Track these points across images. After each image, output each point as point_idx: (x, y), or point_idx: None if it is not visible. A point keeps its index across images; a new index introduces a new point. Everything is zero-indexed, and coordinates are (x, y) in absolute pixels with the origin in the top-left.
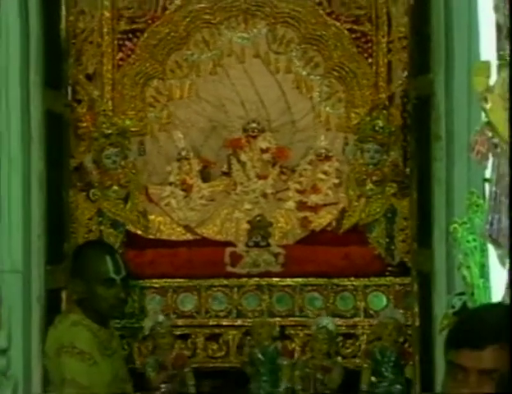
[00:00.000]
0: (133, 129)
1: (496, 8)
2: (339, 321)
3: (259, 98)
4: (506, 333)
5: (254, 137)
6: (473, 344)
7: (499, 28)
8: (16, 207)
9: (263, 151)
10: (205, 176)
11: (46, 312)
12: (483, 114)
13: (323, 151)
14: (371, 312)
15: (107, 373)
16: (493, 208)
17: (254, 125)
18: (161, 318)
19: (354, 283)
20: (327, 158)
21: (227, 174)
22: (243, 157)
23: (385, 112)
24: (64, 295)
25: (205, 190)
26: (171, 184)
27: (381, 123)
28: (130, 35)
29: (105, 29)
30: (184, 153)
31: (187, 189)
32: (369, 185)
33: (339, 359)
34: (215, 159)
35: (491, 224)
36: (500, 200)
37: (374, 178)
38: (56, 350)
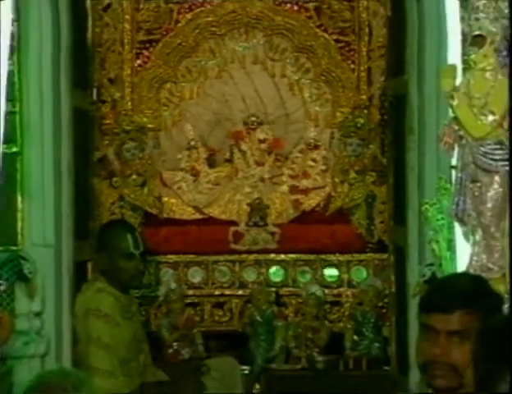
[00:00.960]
0: (149, 125)
1: (462, 19)
2: (326, 290)
3: (258, 96)
4: (472, 299)
5: (253, 129)
6: (442, 308)
7: (464, 36)
8: (48, 191)
9: (261, 141)
10: (211, 163)
11: (74, 281)
12: (450, 110)
13: (312, 141)
14: (353, 283)
15: (127, 333)
16: (459, 192)
17: (253, 119)
18: (173, 285)
19: (339, 258)
20: (316, 147)
21: (230, 161)
22: (243, 146)
23: (365, 111)
24: (90, 266)
25: (211, 175)
26: (182, 170)
27: (362, 121)
28: (147, 45)
29: (125, 40)
30: (193, 143)
31: (196, 174)
32: (352, 174)
33: (326, 322)
34: (219, 148)
35: (457, 205)
36: (464, 185)
37: (356, 168)
38: (83, 313)
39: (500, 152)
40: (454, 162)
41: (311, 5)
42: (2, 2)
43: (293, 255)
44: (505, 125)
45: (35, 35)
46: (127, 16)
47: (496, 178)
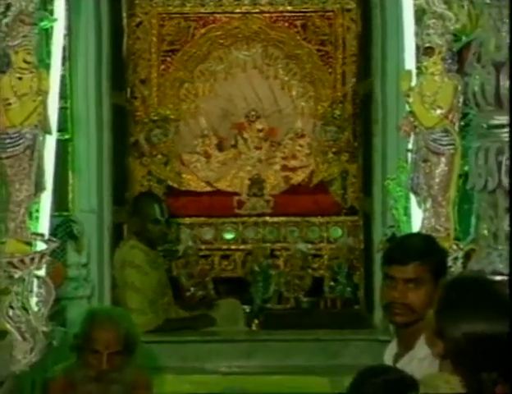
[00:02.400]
0: (171, 117)
1: (416, 34)
2: (309, 246)
3: (256, 95)
4: (423, 253)
5: (253, 121)
6: (400, 261)
7: (418, 48)
8: (92, 168)
9: (259, 131)
10: (220, 148)
11: (113, 239)
12: (407, 106)
13: (299, 130)
14: (331, 240)
15: (154, 280)
16: (413, 169)
17: (253, 113)
18: (190, 242)
19: (320, 220)
20: (302, 135)
21: (234, 146)
22: (245, 135)
23: (341, 105)
24: (125, 227)
25: (220, 157)
26: (197, 153)
27: (338, 113)
28: (170, 53)
29: (153, 49)
30: (205, 132)
31: (208, 156)
32: (330, 155)
33: (309, 271)
34: (226, 136)
35: (412, 180)
36: (418, 164)
37: (333, 150)
38: (120, 264)
39: (446, 138)
40: (410, 146)
41: (298, 22)
42: (55, 23)
43: (284, 218)
44: (450, 117)
45: (82, 47)
46: (154, 31)
47: (443, 159)
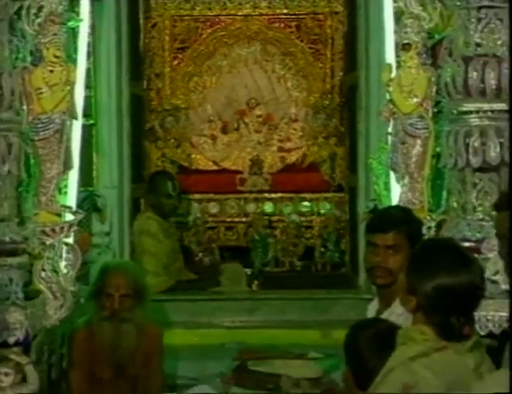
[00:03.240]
0: (182, 106)
1: (395, 32)
2: (302, 218)
3: (256, 86)
4: (401, 223)
5: (253, 108)
6: (381, 229)
7: (397, 44)
8: (113, 150)
9: (258, 116)
10: (224, 131)
11: (131, 211)
12: (387, 95)
13: (293, 116)
14: (321, 212)
15: (167, 246)
16: (392, 150)
17: (253, 101)
18: (198, 214)
19: (311, 196)
20: (296, 120)
21: (237, 130)
22: (246, 120)
23: (329, 95)
24: (142, 201)
25: (224, 139)
26: (204, 135)
27: (327, 102)
28: (181, 50)
29: (166, 47)
30: (212, 118)
31: (214, 138)
32: (320, 139)
33: (302, 239)
34: (230, 121)
35: (392, 159)
36: (397, 145)
37: (323, 134)
38: (138, 233)
39: (421, 123)
40: (389, 130)
41: (293, 23)
42: (81, 23)
43: (280, 194)
44: (425, 104)
45: (105, 44)
46: (167, 31)
47: (418, 141)
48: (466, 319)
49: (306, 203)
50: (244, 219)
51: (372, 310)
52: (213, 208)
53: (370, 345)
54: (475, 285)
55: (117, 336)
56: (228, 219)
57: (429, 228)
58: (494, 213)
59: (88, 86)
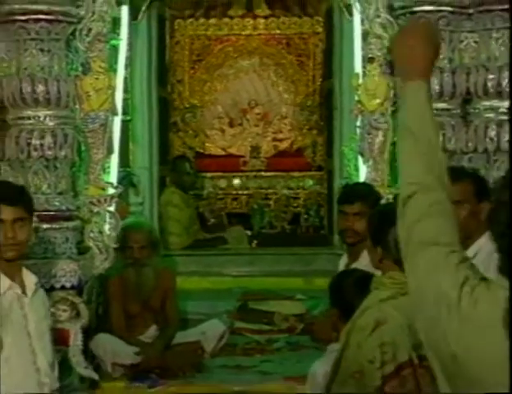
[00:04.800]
0: (198, 105)
1: (363, 48)
2: (290, 191)
3: (255, 90)
4: (366, 195)
5: (253, 108)
6: (349, 201)
7: (363, 58)
8: (145, 139)
9: (257, 114)
10: (231, 125)
11: (159, 186)
12: (356, 97)
13: (284, 114)
14: (305, 187)
15: (187, 214)
16: (360, 139)
17: (253, 102)
18: (211, 189)
19: (298, 174)
20: (286, 117)
21: (241, 124)
22: (247, 116)
23: (312, 97)
24: (167, 179)
25: (231, 131)
26: (215, 129)
27: (310, 102)
28: (197, 62)
29: (186, 59)
30: (221, 115)
31: (222, 131)
32: (304, 130)
33: (290, 208)
34: (235, 117)
35: (360, 146)
36: (364, 136)
37: (307, 127)
38: (165, 204)
39: (382, 119)
40: (358, 123)
41: (283, 41)
42: (121, 41)
43: (273, 173)
44: (385, 104)
45: (139, 57)
46: (187, 47)
47: (380, 133)
48: None
49: (293, 180)
50: (245, 192)
51: (342, 263)
52: (222, 184)
53: (352, 288)
54: None
55: (140, 278)
56: (233, 192)
57: (387, 199)
58: None
59: (125, 90)
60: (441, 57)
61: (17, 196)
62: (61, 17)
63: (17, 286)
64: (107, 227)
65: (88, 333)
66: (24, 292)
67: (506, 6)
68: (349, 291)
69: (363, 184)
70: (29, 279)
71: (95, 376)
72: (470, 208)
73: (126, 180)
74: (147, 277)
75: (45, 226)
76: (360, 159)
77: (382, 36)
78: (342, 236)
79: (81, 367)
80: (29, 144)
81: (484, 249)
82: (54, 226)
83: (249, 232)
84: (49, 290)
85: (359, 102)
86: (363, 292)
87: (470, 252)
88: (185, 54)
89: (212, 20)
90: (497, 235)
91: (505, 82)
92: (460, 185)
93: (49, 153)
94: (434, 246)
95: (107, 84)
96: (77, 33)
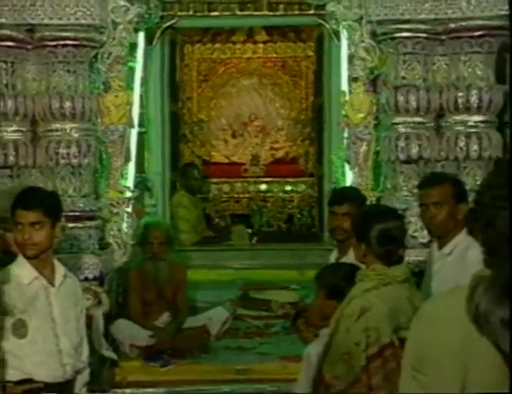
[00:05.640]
0: (205, 119)
1: (348, 69)
2: (286, 194)
3: (255, 106)
4: (351, 197)
5: (252, 121)
6: (338, 202)
7: (349, 77)
8: (157, 148)
9: (256, 126)
10: (233, 136)
11: (170, 190)
12: (343, 111)
13: (280, 126)
14: (299, 191)
15: (195, 214)
16: (347, 149)
17: (253, 116)
18: (216, 192)
19: (292, 180)
20: (281, 129)
21: (242, 135)
22: (248, 129)
23: (305, 112)
24: (178, 183)
25: (233, 142)
26: (220, 139)
27: (303, 117)
28: (204, 82)
29: (194, 79)
30: (225, 127)
31: (226, 141)
32: (298, 141)
33: (286, 209)
34: (237, 129)
35: (346, 155)
36: (349, 145)
37: (300, 138)
38: (175, 205)
39: (366, 131)
40: (345, 135)
41: (279, 63)
42: (137, 63)
43: (270, 178)
44: (369, 118)
45: (153, 77)
46: (195, 68)
47: (364, 143)
48: (397, 247)
49: (288, 185)
50: (246, 195)
51: (332, 257)
52: (226, 188)
53: (342, 277)
54: (400, 226)
55: (156, 270)
56: (236, 195)
57: (371, 201)
58: (416, 190)
59: (141, 106)
60: (416, 77)
61: (34, 202)
62: (85, 43)
63: (43, 278)
64: (124, 226)
65: (108, 319)
66: (52, 283)
67: (473, 34)
68: (340, 278)
69: (351, 187)
70: (59, 272)
71: (115, 356)
72: (449, 209)
73: (142, 184)
74: (163, 270)
75: (71, 225)
76: (347, 166)
77: (366, 59)
78: (332, 234)
79: (103, 348)
80: (57, 153)
81: (460, 245)
82: (79, 225)
83: (249, 230)
84: None
85: (346, 116)
86: (350, 281)
87: (448, 248)
88: (194, 75)
89: (217, 45)
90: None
91: (473, 99)
92: (441, 188)
93: (74, 161)
94: None
95: (125, 100)
96: (99, 56)
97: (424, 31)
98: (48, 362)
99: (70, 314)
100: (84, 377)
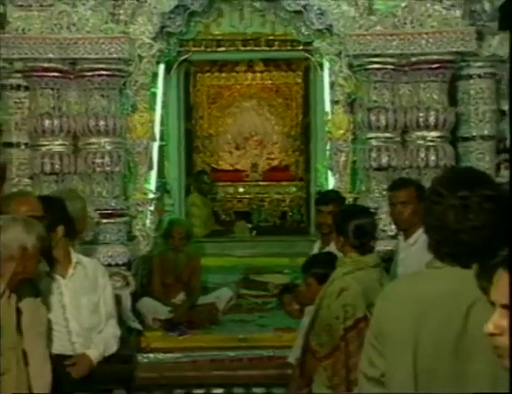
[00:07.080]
0: (214, 134)
1: (330, 94)
2: (280, 196)
3: (254, 124)
4: (336, 199)
5: (253, 136)
6: (324, 203)
7: (331, 100)
8: (175, 158)
9: (256, 140)
10: (237, 148)
11: (185, 192)
12: (326, 128)
13: (275, 140)
14: (290, 192)
15: (205, 212)
16: (330, 158)
17: (253, 132)
18: (223, 193)
19: (285, 183)
20: (276, 143)
21: (244, 148)
22: (249, 142)
23: (295, 129)
24: (191, 187)
25: (236, 153)
26: (225, 151)
27: (293, 132)
28: (212, 104)
29: (204, 102)
30: (230, 141)
31: (230, 153)
32: (289, 151)
33: (280, 207)
34: (240, 143)
35: (329, 164)
36: (332, 156)
37: (291, 149)
38: (190, 205)
39: (345, 144)
40: (328, 147)
41: (274, 88)
42: (158, 89)
43: (267, 182)
44: (347, 134)
45: (171, 100)
46: (205, 93)
47: (343, 153)
48: (369, 239)
49: (282, 188)
50: (247, 196)
51: (316, 247)
52: (230, 190)
53: (327, 263)
54: (372, 222)
55: (176, 259)
56: (238, 196)
57: (349, 201)
58: (386, 192)
59: (162, 124)
60: (385, 100)
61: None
62: (116, 73)
63: (52, 273)
64: (148, 221)
65: (135, 297)
66: (63, 275)
67: (431, 66)
68: (325, 264)
69: (333, 190)
70: (72, 264)
71: (140, 327)
72: (413, 207)
73: (162, 187)
74: (181, 259)
75: (104, 220)
76: (330, 173)
77: (344, 85)
78: (319, 228)
79: (130, 321)
80: (93, 163)
81: (422, 236)
82: (111, 220)
83: (250, 225)
84: (107, 266)
85: (329, 132)
86: (332, 266)
87: (412, 239)
88: (204, 98)
89: (223, 74)
90: (429, 228)
91: (431, 118)
92: (406, 190)
93: (107, 168)
94: None
95: (149, 119)
96: (127, 83)
97: (391, 63)
98: (58, 341)
99: (82, 300)
100: (111, 345)
